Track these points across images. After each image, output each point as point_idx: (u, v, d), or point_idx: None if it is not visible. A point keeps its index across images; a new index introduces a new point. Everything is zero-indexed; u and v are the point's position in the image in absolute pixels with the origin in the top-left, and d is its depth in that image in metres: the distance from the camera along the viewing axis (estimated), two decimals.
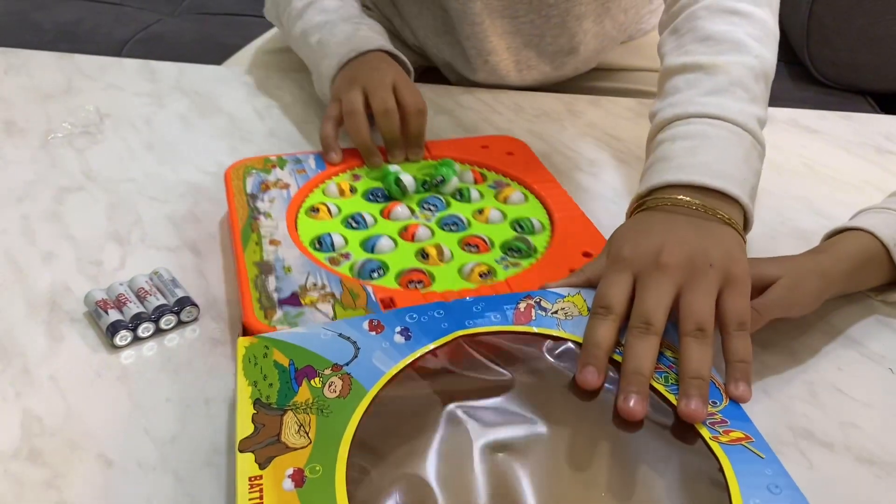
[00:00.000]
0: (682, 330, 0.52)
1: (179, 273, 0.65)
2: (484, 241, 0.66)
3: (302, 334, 0.51)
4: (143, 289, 0.62)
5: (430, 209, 0.71)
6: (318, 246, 0.65)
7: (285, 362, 0.49)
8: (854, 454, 0.54)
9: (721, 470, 0.45)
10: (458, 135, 0.87)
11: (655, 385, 0.50)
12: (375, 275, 0.62)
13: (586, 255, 0.62)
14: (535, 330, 0.53)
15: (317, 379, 0.48)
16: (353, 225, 0.68)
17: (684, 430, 0.47)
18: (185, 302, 0.61)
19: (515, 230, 0.68)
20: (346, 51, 0.82)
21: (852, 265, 0.62)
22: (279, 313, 0.56)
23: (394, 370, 0.49)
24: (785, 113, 0.96)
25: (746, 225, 0.62)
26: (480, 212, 0.70)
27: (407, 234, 0.67)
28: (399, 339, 0.51)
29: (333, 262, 0.63)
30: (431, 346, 0.51)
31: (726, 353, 0.53)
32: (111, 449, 0.51)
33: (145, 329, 0.60)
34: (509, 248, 0.65)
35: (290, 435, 0.44)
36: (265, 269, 0.60)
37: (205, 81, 0.98)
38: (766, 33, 0.70)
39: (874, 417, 0.57)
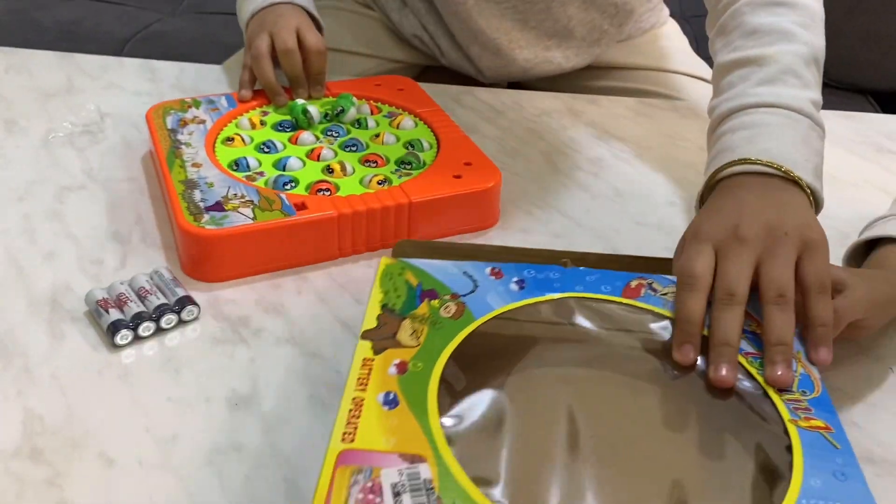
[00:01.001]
0: (764, 298, 0.53)
1: (180, 273, 0.65)
2: (381, 157, 0.76)
3: (433, 265, 0.59)
4: (143, 288, 0.62)
5: (332, 135, 0.80)
6: (235, 167, 0.73)
7: (414, 282, 0.57)
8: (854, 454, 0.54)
9: (789, 449, 0.45)
10: None
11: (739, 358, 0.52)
12: (288, 187, 0.71)
13: (467, 164, 0.74)
14: (642, 305, 0.56)
15: (436, 301, 0.55)
16: (265, 150, 0.77)
17: (762, 403, 0.49)
18: (185, 301, 0.61)
19: (407, 148, 0.78)
20: (261, 0, 0.91)
21: None
22: (206, 216, 0.65)
23: (503, 309, 0.55)
24: None
25: (817, 206, 0.63)
26: (377, 136, 0.80)
27: (313, 155, 0.76)
28: (514, 287, 0.57)
29: (250, 179, 0.72)
30: (542, 299, 0.56)
31: (808, 317, 0.53)
32: (112, 448, 0.52)
33: (146, 328, 0.60)
34: (402, 162, 0.75)
35: (404, 336, 0.52)
36: (190, 185, 0.69)
37: (205, 81, 0.98)
38: (812, 18, 0.72)
39: (874, 417, 0.57)
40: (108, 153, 0.83)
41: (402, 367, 0.49)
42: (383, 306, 0.55)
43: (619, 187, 0.81)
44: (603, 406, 0.48)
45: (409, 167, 0.75)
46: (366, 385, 0.48)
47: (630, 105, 0.98)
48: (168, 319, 0.60)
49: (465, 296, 0.56)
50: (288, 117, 0.83)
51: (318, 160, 0.75)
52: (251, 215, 0.65)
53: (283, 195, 0.68)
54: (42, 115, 0.89)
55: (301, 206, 0.66)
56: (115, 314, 0.60)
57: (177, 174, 0.70)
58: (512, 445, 0.45)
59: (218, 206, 0.66)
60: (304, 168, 0.74)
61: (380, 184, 0.71)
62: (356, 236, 0.68)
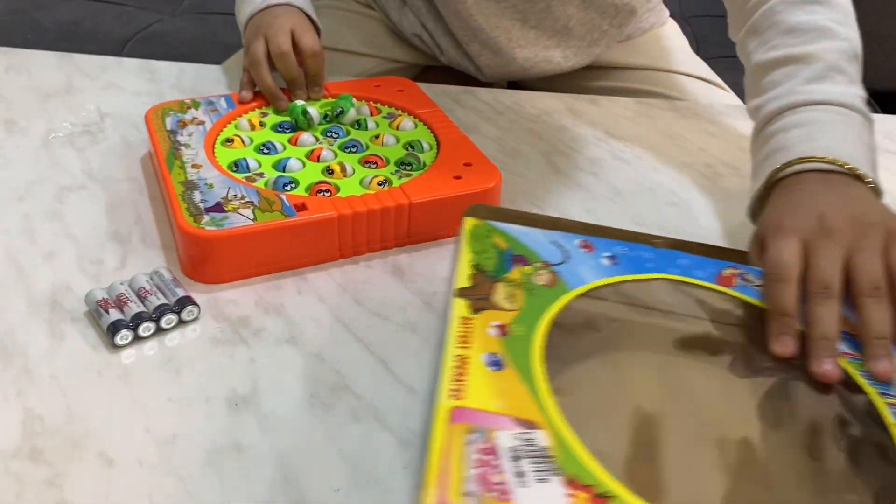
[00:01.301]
0: (858, 291, 0.52)
1: (180, 273, 0.65)
2: (381, 158, 0.76)
3: (521, 230, 0.60)
4: (143, 288, 0.62)
5: (332, 136, 0.80)
6: (235, 168, 0.73)
7: (504, 246, 0.59)
8: None
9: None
10: None
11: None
12: (288, 188, 0.71)
13: (467, 164, 0.74)
14: (735, 294, 0.56)
15: (528, 267, 0.57)
16: (265, 151, 0.77)
17: (861, 402, 0.49)
18: (185, 301, 0.61)
19: (407, 150, 0.78)
20: (258, 3, 0.92)
21: None
22: (206, 217, 0.64)
23: (597, 283, 0.56)
24: None
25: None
26: (377, 137, 0.80)
27: (313, 156, 0.76)
28: (606, 262, 0.58)
29: (250, 180, 0.72)
30: (636, 277, 0.57)
31: None
32: (112, 448, 0.52)
33: (146, 328, 0.60)
34: (402, 163, 0.75)
35: (500, 299, 0.53)
36: (190, 186, 0.69)
37: (205, 81, 0.98)
38: (845, 15, 0.71)
39: None
40: (108, 153, 0.83)
41: (503, 330, 0.50)
42: (475, 266, 0.56)
43: (619, 187, 0.81)
44: (705, 395, 0.49)
45: (409, 168, 0.75)
46: (468, 343, 0.49)
47: (630, 105, 0.98)
48: (168, 320, 0.60)
49: (556, 265, 0.57)
50: (288, 118, 0.83)
51: (318, 161, 0.75)
52: (251, 216, 0.65)
53: (283, 196, 0.68)
54: (42, 115, 0.89)
55: (301, 207, 0.66)
56: (115, 314, 0.60)
57: (176, 175, 0.70)
58: (627, 422, 0.45)
59: (218, 207, 0.66)
60: (303, 169, 0.74)
61: (380, 185, 0.71)
62: (356, 237, 0.68)
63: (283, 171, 0.73)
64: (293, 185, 0.71)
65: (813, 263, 0.54)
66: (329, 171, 0.73)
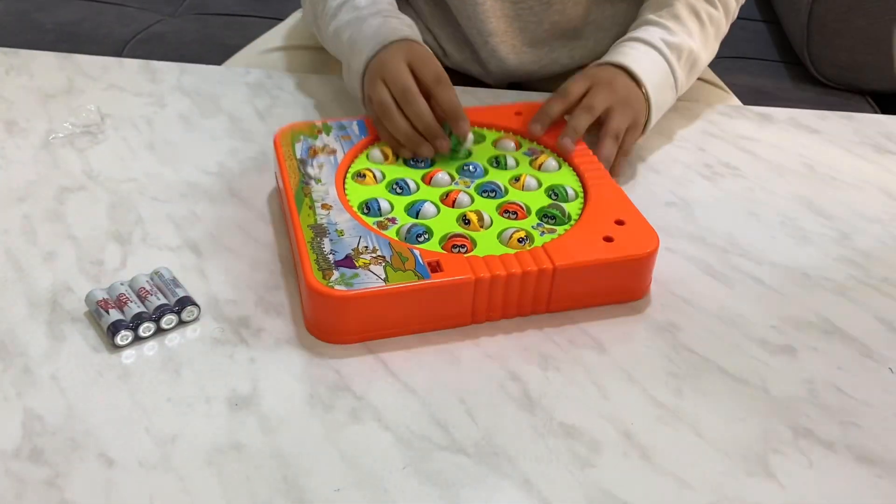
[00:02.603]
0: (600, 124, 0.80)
1: (180, 273, 0.65)
2: (521, 207, 0.69)
3: None
4: (143, 288, 0.62)
5: (468, 174, 0.74)
6: (366, 211, 0.69)
7: None
8: (854, 454, 0.54)
9: None
10: None
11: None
12: (421, 239, 0.65)
13: (619, 222, 0.67)
14: None
15: None
16: (398, 191, 0.71)
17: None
18: (185, 302, 0.61)
19: (550, 197, 0.71)
20: (373, 45, 0.81)
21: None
22: (336, 274, 0.60)
23: None
24: (785, 113, 0.96)
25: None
26: (517, 179, 0.73)
27: (448, 200, 0.70)
28: None
29: (381, 226, 0.66)
30: None
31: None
32: (112, 448, 0.52)
33: (146, 329, 0.60)
34: (545, 215, 0.69)
35: None
36: (319, 231, 0.64)
37: (205, 81, 0.98)
38: (717, 31, 0.91)
39: (874, 417, 0.57)
40: (108, 154, 0.83)
41: None
42: None
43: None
44: None
45: (552, 222, 0.68)
46: None
47: None
48: (168, 320, 0.60)
49: None
50: None
51: (454, 206, 0.69)
52: (383, 275, 0.60)
53: (416, 251, 0.63)
54: (42, 116, 0.89)
55: (436, 267, 0.61)
56: (115, 315, 0.60)
57: (305, 217, 0.66)
58: None
59: (348, 262, 0.61)
60: (438, 216, 0.68)
61: (520, 241, 0.65)
62: (492, 302, 0.63)
63: (417, 218, 0.68)
64: (427, 237, 0.66)
65: (589, 96, 0.79)
66: (465, 220, 0.67)
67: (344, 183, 0.72)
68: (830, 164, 0.87)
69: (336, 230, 0.64)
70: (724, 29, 0.92)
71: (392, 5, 0.88)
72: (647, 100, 0.82)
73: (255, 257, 0.69)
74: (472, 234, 0.66)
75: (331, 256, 0.62)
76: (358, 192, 0.71)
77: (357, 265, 0.61)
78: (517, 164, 0.76)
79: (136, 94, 0.95)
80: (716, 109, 0.96)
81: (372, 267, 0.61)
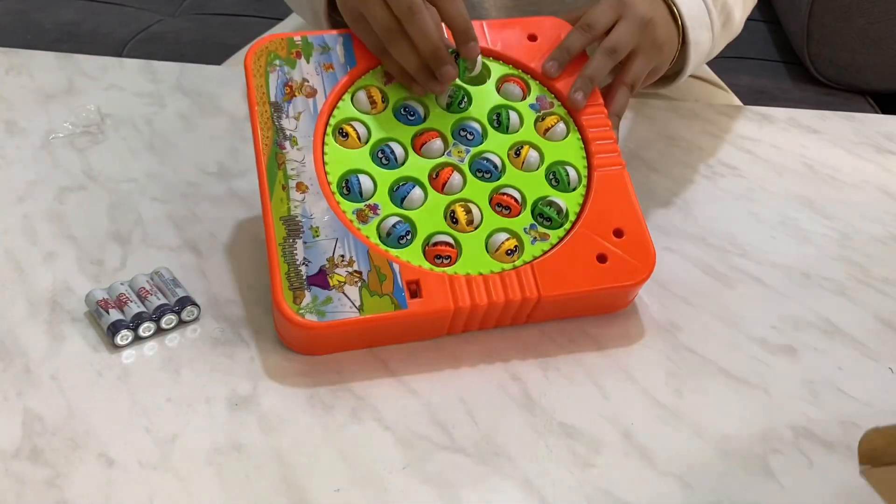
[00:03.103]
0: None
1: (180, 273, 0.65)
2: (515, 200, 0.64)
3: None
4: (143, 288, 0.62)
5: (464, 141, 0.66)
6: (346, 192, 0.62)
7: None
8: (854, 453, 0.54)
9: None
10: None
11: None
12: (403, 241, 0.61)
13: (617, 233, 0.62)
14: None
15: None
16: (383, 161, 0.64)
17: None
18: (185, 302, 0.61)
19: (549, 182, 0.65)
20: None
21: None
22: (308, 297, 0.57)
23: None
24: (785, 113, 0.96)
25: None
26: (517, 152, 0.66)
27: (438, 181, 0.64)
28: None
29: (362, 217, 0.61)
30: None
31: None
32: (112, 448, 0.52)
33: (146, 329, 0.60)
34: (539, 214, 0.64)
35: None
36: (293, 228, 0.60)
37: (205, 81, 0.98)
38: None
39: (874, 417, 0.57)
40: (108, 154, 0.83)
41: None
42: None
43: None
44: None
45: (547, 224, 0.63)
46: None
47: (630, 105, 0.98)
48: (168, 320, 0.60)
49: None
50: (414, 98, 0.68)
51: (443, 190, 0.64)
52: (358, 302, 0.57)
53: (396, 266, 0.59)
54: (42, 116, 0.89)
55: (414, 292, 0.58)
56: (115, 315, 0.60)
57: (278, 204, 0.61)
58: None
59: (321, 278, 0.58)
60: (425, 204, 0.63)
61: (509, 253, 0.61)
62: (469, 323, 0.61)
63: (402, 206, 0.62)
64: (410, 238, 0.61)
65: (614, 32, 0.68)
66: (453, 217, 0.62)
67: (324, 144, 0.64)
68: (830, 164, 0.87)
69: (311, 227, 0.60)
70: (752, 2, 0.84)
71: None
72: (682, 34, 0.73)
73: (255, 257, 0.69)
74: (459, 235, 0.62)
75: (303, 269, 0.58)
76: (339, 161, 0.63)
77: (331, 285, 0.58)
78: (521, 123, 0.68)
79: (136, 94, 0.95)
80: (716, 109, 0.96)
81: (347, 288, 0.58)
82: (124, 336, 0.59)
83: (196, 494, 0.49)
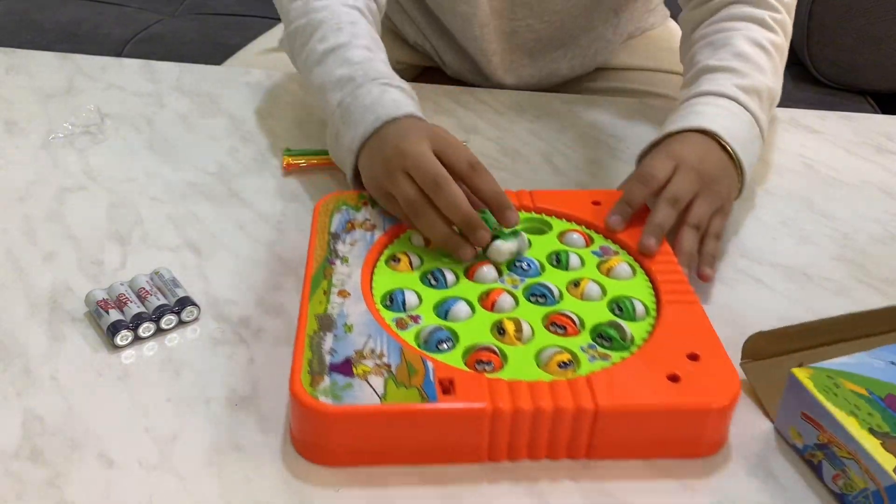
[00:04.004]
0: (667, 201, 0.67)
1: (180, 273, 0.65)
2: (572, 321, 0.57)
3: (848, 363, 0.54)
4: (143, 289, 0.62)
5: (519, 272, 0.62)
6: (388, 303, 0.58)
7: (861, 391, 0.51)
8: None
9: None
10: (458, 135, 0.86)
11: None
12: (443, 347, 0.55)
13: (692, 357, 0.53)
14: None
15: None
16: (432, 283, 0.60)
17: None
18: (185, 302, 0.61)
19: (613, 312, 0.58)
20: (372, 119, 0.69)
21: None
22: (326, 381, 0.51)
23: None
24: (785, 113, 0.96)
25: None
26: (576, 284, 0.61)
27: (487, 300, 0.59)
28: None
29: (401, 324, 0.56)
30: None
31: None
32: (112, 448, 0.52)
33: (146, 329, 0.60)
34: (600, 335, 0.56)
35: None
36: (325, 323, 0.55)
37: (205, 82, 0.98)
38: (782, 58, 0.82)
39: None
40: (108, 154, 0.83)
41: None
42: (870, 431, 0.49)
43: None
44: None
45: (607, 344, 0.55)
46: None
47: (630, 105, 0.98)
48: (168, 320, 0.60)
49: None
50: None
51: (492, 309, 0.58)
52: (381, 390, 0.50)
53: (429, 363, 0.52)
54: (42, 116, 0.89)
55: (447, 387, 0.50)
56: (115, 315, 0.60)
57: (315, 304, 0.56)
58: None
59: (345, 367, 0.52)
60: (470, 319, 0.57)
61: (562, 366, 0.53)
62: (515, 440, 0.51)
63: (445, 319, 0.57)
64: (450, 345, 0.55)
65: (673, 182, 0.67)
66: (500, 329, 0.56)
67: (374, 267, 0.62)
68: (830, 164, 0.87)
69: (345, 325, 0.55)
70: (786, 54, 0.83)
71: (387, 65, 0.75)
72: (737, 166, 0.72)
73: (255, 257, 0.69)
74: (506, 347, 0.54)
75: (328, 357, 0.52)
76: (386, 280, 0.60)
77: (354, 373, 0.51)
78: (582, 263, 0.63)
79: (135, 94, 0.95)
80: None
81: (371, 377, 0.51)
82: (124, 336, 0.59)
83: (196, 494, 0.49)
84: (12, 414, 0.54)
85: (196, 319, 0.62)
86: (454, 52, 1.03)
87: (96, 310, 0.61)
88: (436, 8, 0.98)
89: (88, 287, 0.63)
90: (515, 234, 0.63)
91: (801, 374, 0.52)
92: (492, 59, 0.98)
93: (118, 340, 0.59)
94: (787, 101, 1.01)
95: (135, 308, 0.60)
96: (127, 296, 0.61)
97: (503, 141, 0.89)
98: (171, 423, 0.54)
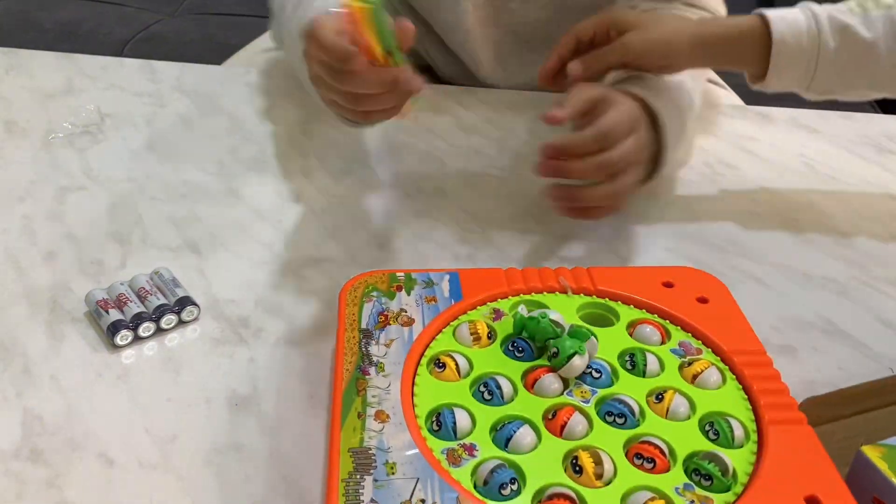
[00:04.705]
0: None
1: (180, 273, 0.65)
2: (661, 451, 0.49)
3: None
4: (143, 288, 0.62)
5: (590, 379, 0.53)
6: (436, 428, 0.50)
7: None
8: None
9: None
10: (458, 135, 0.86)
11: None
12: (507, 491, 0.46)
13: (811, 501, 0.46)
14: None
15: None
16: (486, 396, 0.52)
17: None
18: (185, 302, 0.61)
19: (707, 435, 0.50)
20: (306, 22, 0.68)
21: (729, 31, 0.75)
22: None
23: None
24: (785, 113, 0.96)
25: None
26: (658, 397, 0.52)
27: (555, 423, 0.50)
28: None
29: (453, 458, 0.48)
30: None
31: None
32: (112, 448, 0.52)
33: (146, 329, 0.60)
34: (695, 470, 0.48)
35: None
36: (363, 463, 0.47)
37: (205, 81, 0.98)
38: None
39: None
40: (108, 154, 0.83)
41: None
42: None
43: None
44: None
45: (707, 486, 0.47)
46: None
47: None
48: (168, 320, 0.60)
49: None
50: (529, 327, 0.55)
51: (562, 434, 0.50)
52: None
53: None
54: (42, 115, 0.89)
55: None
56: (114, 314, 0.60)
57: (348, 434, 0.48)
58: None
59: None
60: (537, 449, 0.49)
61: None
62: None
63: (506, 450, 0.49)
64: (516, 489, 0.47)
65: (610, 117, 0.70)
66: (576, 466, 0.48)
67: (415, 374, 0.53)
68: (830, 164, 0.87)
69: (386, 463, 0.47)
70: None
71: None
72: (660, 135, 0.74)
73: (255, 257, 0.69)
74: (584, 491, 0.46)
75: None
76: (431, 393, 0.52)
77: None
78: (661, 367, 0.54)
79: (136, 93, 0.95)
80: (716, 109, 0.96)
81: None
82: (124, 336, 0.59)
83: (196, 494, 0.49)
84: (12, 414, 0.54)
85: (196, 319, 0.62)
86: (444, 55, 1.04)
87: (96, 309, 0.61)
88: (425, 14, 0.99)
89: (88, 287, 0.63)
90: (584, 338, 0.54)
91: (872, 452, 0.46)
92: (481, 64, 0.98)
93: (118, 340, 0.59)
94: (787, 101, 1.01)
95: (135, 308, 0.60)
96: (127, 295, 0.61)
97: (503, 141, 0.88)
98: (171, 423, 0.54)
